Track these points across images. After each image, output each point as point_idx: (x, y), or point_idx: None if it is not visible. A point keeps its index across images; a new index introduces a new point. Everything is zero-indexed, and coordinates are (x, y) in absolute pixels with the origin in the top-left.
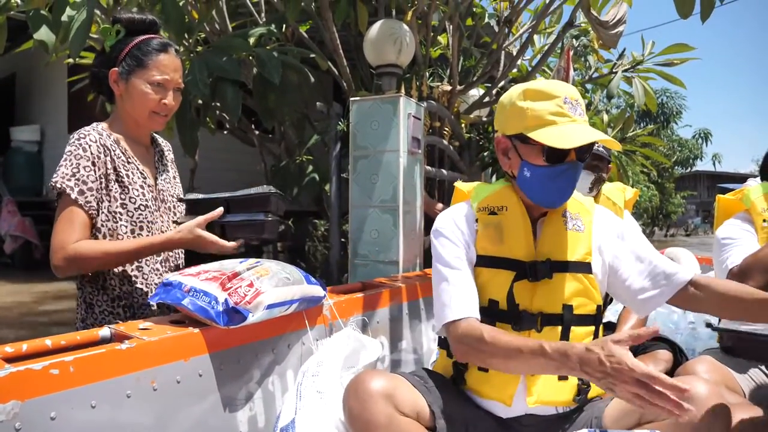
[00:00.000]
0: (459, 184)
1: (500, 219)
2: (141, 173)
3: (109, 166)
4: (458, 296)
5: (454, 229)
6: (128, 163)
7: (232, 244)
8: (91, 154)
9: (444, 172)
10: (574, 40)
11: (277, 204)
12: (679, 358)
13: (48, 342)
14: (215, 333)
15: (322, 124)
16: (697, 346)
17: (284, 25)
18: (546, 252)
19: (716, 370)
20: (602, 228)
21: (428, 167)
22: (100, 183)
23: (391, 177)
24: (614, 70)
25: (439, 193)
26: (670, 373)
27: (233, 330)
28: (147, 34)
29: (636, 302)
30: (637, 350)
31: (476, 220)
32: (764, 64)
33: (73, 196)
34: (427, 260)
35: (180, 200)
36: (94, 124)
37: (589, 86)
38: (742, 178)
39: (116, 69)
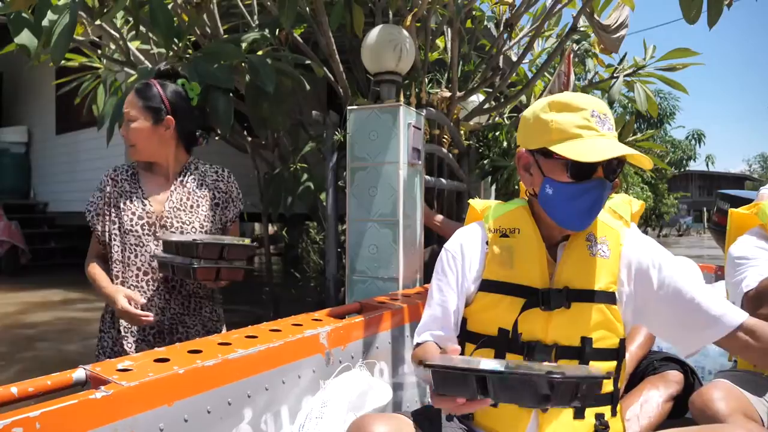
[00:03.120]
0: (473, 203)
1: (512, 242)
2: (143, 201)
3: (112, 195)
4: (428, 321)
5: (455, 259)
6: (132, 192)
7: (145, 318)
8: (102, 185)
9: (443, 181)
10: (574, 44)
11: (209, 251)
12: (691, 378)
13: (14, 390)
14: (202, 372)
15: (316, 130)
16: (707, 364)
17: (277, 30)
18: (565, 279)
19: (733, 396)
20: (634, 255)
21: (427, 176)
22: (106, 209)
23: (391, 190)
24: (615, 75)
25: (438, 202)
26: (682, 395)
27: (223, 368)
28: None
29: (676, 341)
30: (647, 371)
31: (487, 243)
32: (754, 64)
33: (88, 218)
34: (427, 275)
35: (156, 238)
36: (126, 162)
37: (596, 92)
38: (735, 178)
39: None
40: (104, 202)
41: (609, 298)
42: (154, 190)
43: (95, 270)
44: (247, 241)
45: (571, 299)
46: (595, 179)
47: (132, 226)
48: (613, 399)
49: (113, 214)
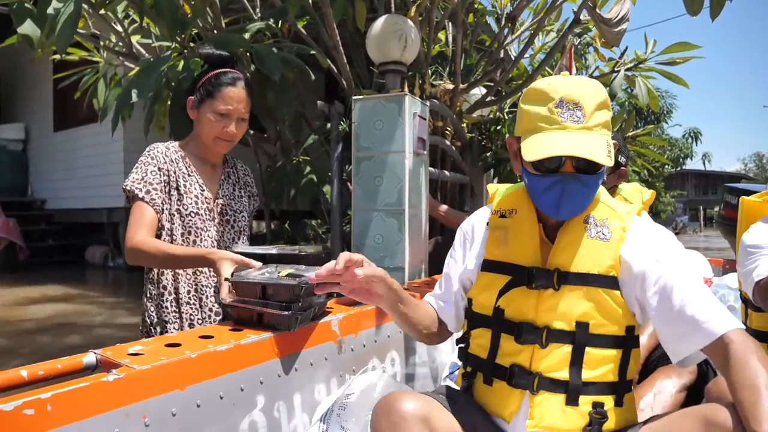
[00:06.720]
0: (490, 187)
1: (509, 222)
2: (200, 186)
3: (172, 174)
4: (435, 287)
5: (465, 236)
6: (189, 175)
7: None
8: (157, 161)
9: (446, 173)
10: (575, 38)
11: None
12: (704, 368)
13: (23, 373)
14: (214, 357)
15: (319, 123)
16: None
17: (280, 21)
18: (558, 261)
19: None
20: (637, 242)
21: (430, 168)
22: (164, 186)
23: (396, 179)
24: (616, 69)
25: (441, 194)
26: (696, 384)
27: (235, 353)
28: (223, 67)
29: (666, 344)
30: (659, 361)
31: (488, 224)
32: (750, 63)
33: (141, 195)
34: (433, 265)
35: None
36: (168, 142)
37: None
38: (730, 177)
39: (191, 97)
40: (164, 178)
41: (609, 282)
42: (204, 176)
43: (159, 242)
44: (316, 249)
45: (562, 282)
46: (562, 173)
47: (197, 209)
48: (616, 389)
49: (174, 195)
